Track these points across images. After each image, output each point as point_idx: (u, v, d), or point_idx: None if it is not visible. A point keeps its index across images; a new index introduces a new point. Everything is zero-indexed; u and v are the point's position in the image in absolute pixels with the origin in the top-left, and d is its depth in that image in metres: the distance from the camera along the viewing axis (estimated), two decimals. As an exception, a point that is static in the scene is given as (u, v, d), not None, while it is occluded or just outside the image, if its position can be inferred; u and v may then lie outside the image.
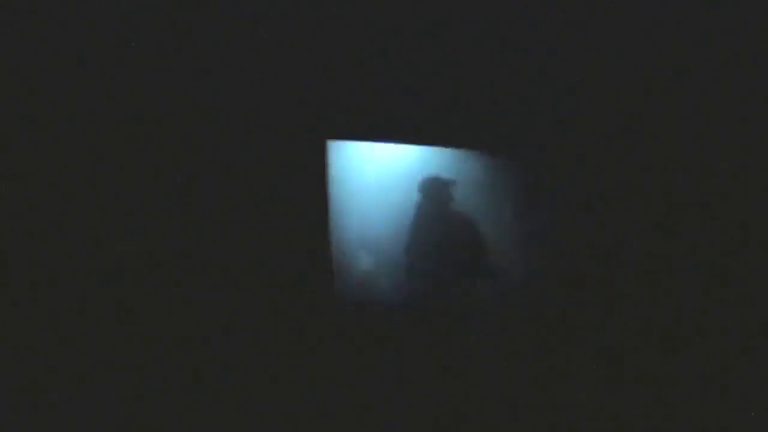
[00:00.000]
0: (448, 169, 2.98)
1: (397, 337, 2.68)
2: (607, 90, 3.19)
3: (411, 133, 2.92)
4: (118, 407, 2.30)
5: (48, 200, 2.37)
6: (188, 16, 2.67)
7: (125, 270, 2.43)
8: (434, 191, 2.93)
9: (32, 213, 2.34)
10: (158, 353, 2.38)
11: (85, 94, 2.47)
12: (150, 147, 2.56)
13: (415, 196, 2.91)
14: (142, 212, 2.49)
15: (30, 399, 2.23)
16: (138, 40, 2.58)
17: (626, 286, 2.98)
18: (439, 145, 2.97)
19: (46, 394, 2.24)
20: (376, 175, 2.88)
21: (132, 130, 2.53)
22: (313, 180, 2.74)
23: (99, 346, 2.33)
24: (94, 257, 2.39)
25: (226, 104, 2.68)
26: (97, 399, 2.28)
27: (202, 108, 2.65)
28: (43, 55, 2.43)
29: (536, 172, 3.07)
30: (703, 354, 2.93)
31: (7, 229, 2.30)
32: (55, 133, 2.42)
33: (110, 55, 2.55)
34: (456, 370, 2.70)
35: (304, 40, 2.86)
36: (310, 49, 2.85)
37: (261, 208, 2.64)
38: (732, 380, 2.90)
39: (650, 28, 3.16)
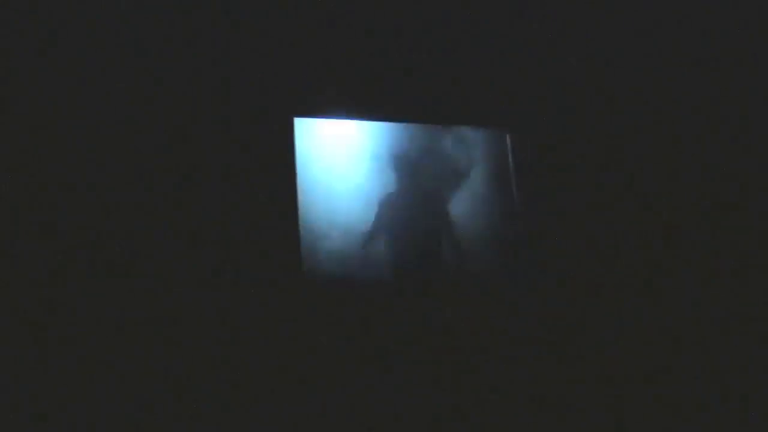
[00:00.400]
0: (421, 146, 2.93)
1: (367, 316, 2.64)
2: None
3: (381, 110, 2.88)
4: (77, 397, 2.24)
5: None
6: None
7: (90, 251, 2.38)
8: (405, 168, 2.88)
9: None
10: (121, 339, 2.32)
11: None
12: (116, 126, 2.50)
13: (386, 174, 2.85)
14: (107, 192, 2.44)
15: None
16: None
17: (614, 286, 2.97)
18: (412, 121, 2.92)
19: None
20: (347, 153, 2.82)
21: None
22: (280, 158, 2.69)
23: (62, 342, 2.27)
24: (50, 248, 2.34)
25: (188, 82, 2.63)
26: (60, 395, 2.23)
27: (166, 86, 2.60)
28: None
29: (518, 148, 3.02)
30: (695, 356, 2.93)
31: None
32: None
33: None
34: (429, 349, 2.67)
35: (267, 16, 2.80)
36: (274, 26, 2.80)
37: (226, 187, 2.59)
38: (732, 381, 2.89)
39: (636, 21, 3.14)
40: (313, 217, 2.67)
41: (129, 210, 2.45)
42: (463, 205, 2.93)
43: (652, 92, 3.18)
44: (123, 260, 2.40)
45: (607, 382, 2.77)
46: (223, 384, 2.37)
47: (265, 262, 2.54)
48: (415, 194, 2.88)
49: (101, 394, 2.25)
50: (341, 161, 2.79)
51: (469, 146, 2.98)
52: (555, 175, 3.00)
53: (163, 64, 2.62)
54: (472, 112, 2.99)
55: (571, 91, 3.11)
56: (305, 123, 2.76)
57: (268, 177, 2.65)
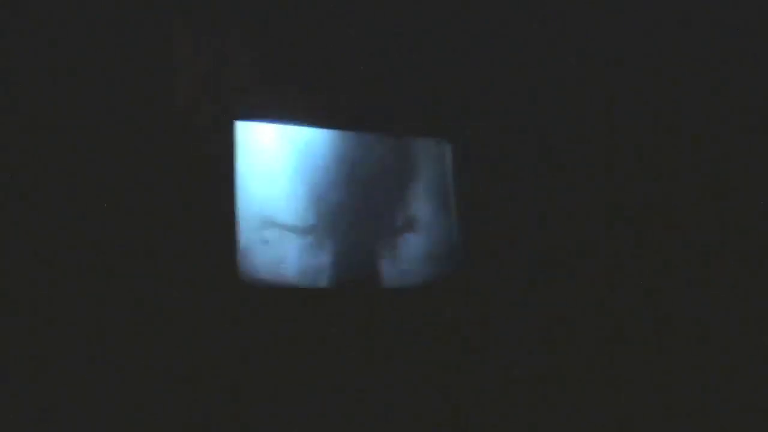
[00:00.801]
0: (363, 154, 2.93)
1: (304, 324, 2.63)
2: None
3: (324, 116, 2.87)
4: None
5: None
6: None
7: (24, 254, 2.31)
8: (347, 176, 2.88)
9: None
10: (51, 349, 2.27)
11: None
12: (55, 129, 2.44)
13: (326, 180, 2.85)
14: (42, 194, 2.38)
15: None
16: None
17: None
18: (354, 129, 2.92)
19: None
20: (287, 158, 2.80)
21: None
22: (220, 160, 2.66)
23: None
24: None
25: (131, 84, 2.58)
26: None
27: (106, 87, 2.55)
28: None
29: (466, 159, 3.04)
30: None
31: None
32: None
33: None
34: (365, 358, 2.67)
35: (214, 20, 2.77)
36: (221, 29, 2.77)
37: (162, 189, 2.55)
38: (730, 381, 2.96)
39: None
40: (251, 223, 2.65)
41: (62, 216, 2.40)
42: (403, 213, 2.94)
43: (595, 102, 3.24)
44: (54, 263, 2.34)
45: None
46: (160, 394, 2.33)
47: (199, 268, 2.51)
48: (355, 202, 2.88)
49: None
50: (281, 167, 2.77)
51: (410, 154, 3.00)
52: (495, 184, 3.04)
53: (109, 64, 2.57)
54: (413, 120, 3.00)
55: (511, 100, 3.15)
56: (247, 127, 2.74)
57: (207, 180, 2.62)
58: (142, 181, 2.52)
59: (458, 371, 2.76)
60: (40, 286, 2.30)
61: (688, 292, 3.03)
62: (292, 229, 2.73)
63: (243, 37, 2.80)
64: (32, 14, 2.49)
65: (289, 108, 2.82)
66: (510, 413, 2.77)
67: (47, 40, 2.50)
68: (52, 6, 2.52)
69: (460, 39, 3.11)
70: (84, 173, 2.45)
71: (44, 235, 2.34)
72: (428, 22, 3.05)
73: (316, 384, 2.56)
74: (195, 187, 2.59)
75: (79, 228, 2.39)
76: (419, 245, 2.93)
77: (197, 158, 2.62)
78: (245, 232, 2.62)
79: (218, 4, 2.77)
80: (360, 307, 2.74)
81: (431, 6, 3.05)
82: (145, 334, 2.37)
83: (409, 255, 2.90)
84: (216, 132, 2.68)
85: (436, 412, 2.68)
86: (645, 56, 3.25)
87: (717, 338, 2.99)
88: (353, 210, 2.86)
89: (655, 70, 3.23)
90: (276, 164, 2.76)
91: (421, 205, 2.97)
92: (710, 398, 2.91)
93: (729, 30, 3.18)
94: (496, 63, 3.14)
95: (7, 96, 2.41)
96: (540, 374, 2.84)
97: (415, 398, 2.68)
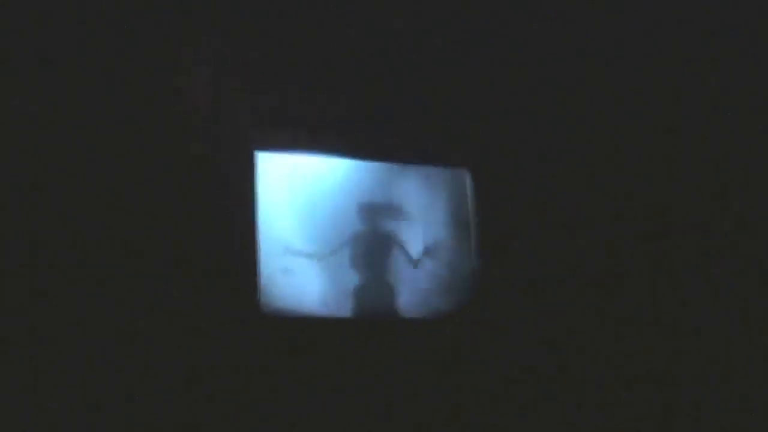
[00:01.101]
0: (383, 184, 2.95)
1: (325, 354, 2.62)
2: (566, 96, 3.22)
3: (344, 146, 2.90)
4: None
5: None
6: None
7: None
8: (366, 206, 2.90)
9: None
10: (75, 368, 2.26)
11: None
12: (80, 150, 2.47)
13: (346, 211, 2.86)
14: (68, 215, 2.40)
15: None
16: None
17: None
18: (374, 160, 2.95)
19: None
20: (308, 189, 2.82)
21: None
22: (241, 189, 2.67)
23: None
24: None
25: (154, 111, 2.61)
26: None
27: (130, 115, 2.57)
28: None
29: (485, 189, 3.04)
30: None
31: None
32: None
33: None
34: (385, 390, 2.65)
35: (235, 47, 2.81)
36: (243, 60, 2.81)
37: (186, 218, 2.56)
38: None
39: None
40: (273, 251, 2.66)
41: (93, 231, 2.41)
42: (423, 244, 2.95)
43: (615, 132, 3.26)
44: (86, 285, 2.35)
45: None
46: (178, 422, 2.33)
47: (222, 296, 2.51)
48: (375, 232, 2.89)
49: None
50: (301, 197, 2.79)
51: (430, 185, 3.02)
52: (515, 215, 3.05)
53: (131, 93, 2.60)
54: (433, 151, 3.02)
55: (532, 130, 3.18)
56: (268, 158, 2.76)
57: (228, 210, 2.63)
58: (164, 211, 2.53)
59: (477, 400, 2.74)
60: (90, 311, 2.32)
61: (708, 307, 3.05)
62: (313, 257, 2.74)
63: (264, 68, 2.84)
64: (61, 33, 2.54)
65: (308, 138, 2.84)
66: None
67: (77, 53, 2.54)
68: (83, 21, 2.57)
69: (480, 69, 3.15)
70: (103, 204, 2.46)
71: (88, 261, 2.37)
72: (449, 52, 3.09)
73: (335, 413, 2.54)
74: (217, 217, 2.60)
75: (98, 261, 2.40)
76: (438, 274, 2.93)
77: (218, 188, 2.64)
78: (266, 261, 2.63)
79: (240, 35, 2.82)
80: (379, 336, 2.74)
81: (451, 37, 3.09)
82: (168, 363, 2.36)
83: (428, 284, 2.90)
84: (237, 162, 2.70)
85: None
86: (668, 82, 3.28)
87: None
88: (373, 239, 2.88)
89: (676, 95, 3.26)
90: (296, 194, 2.78)
91: (440, 234, 2.98)
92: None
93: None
94: (516, 92, 3.18)
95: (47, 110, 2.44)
96: (560, 403, 2.82)
97: (433, 427, 2.66)
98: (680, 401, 2.92)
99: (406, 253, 2.91)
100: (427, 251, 2.94)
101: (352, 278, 2.80)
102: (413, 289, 2.88)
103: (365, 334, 2.73)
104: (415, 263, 2.92)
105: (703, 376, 2.96)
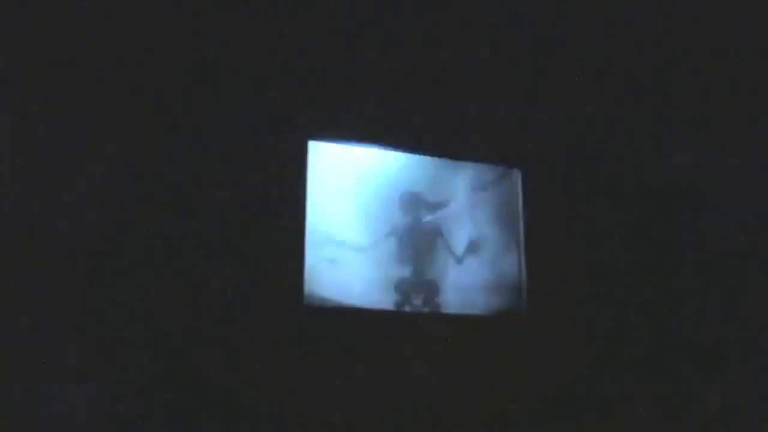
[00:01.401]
0: (431, 178, 2.93)
1: (368, 345, 2.63)
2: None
3: (395, 138, 2.88)
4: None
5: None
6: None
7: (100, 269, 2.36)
8: (414, 199, 2.88)
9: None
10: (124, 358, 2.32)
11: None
12: (134, 146, 2.49)
13: (394, 201, 2.85)
14: (123, 206, 2.44)
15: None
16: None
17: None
18: (424, 153, 2.93)
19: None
20: (358, 180, 2.82)
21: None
22: (292, 177, 2.68)
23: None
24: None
25: (209, 101, 2.62)
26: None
27: (184, 106, 2.59)
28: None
29: (537, 188, 3.02)
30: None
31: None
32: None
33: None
34: (426, 379, 2.66)
35: (290, 38, 2.80)
36: (298, 49, 2.79)
37: (235, 206, 2.58)
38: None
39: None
40: (318, 241, 2.67)
41: (136, 223, 2.45)
42: (469, 239, 2.93)
43: (665, 133, 3.20)
44: (126, 269, 2.40)
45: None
46: (221, 410, 2.37)
47: (267, 285, 2.53)
48: (419, 225, 2.88)
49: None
50: (350, 187, 2.79)
51: (480, 183, 2.99)
52: (563, 212, 3.02)
53: (186, 84, 2.62)
54: (485, 149, 2.99)
55: (586, 132, 3.13)
56: (319, 146, 2.76)
57: (278, 198, 2.64)
58: (214, 198, 2.55)
59: (516, 397, 2.74)
60: (133, 298, 2.38)
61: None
62: (358, 249, 2.74)
63: (319, 60, 2.82)
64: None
65: (360, 129, 2.83)
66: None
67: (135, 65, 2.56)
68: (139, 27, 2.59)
69: (536, 71, 3.10)
70: (153, 195, 2.49)
71: (128, 246, 2.41)
72: (502, 51, 3.04)
73: (374, 403, 2.56)
74: (265, 205, 2.61)
75: (149, 245, 2.44)
76: (483, 272, 2.91)
77: (269, 176, 2.65)
78: (312, 251, 2.64)
79: (297, 28, 2.80)
80: (421, 330, 2.74)
81: (503, 38, 3.04)
82: (212, 351, 2.40)
83: (472, 280, 2.88)
84: (289, 150, 2.70)
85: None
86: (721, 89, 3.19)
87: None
88: (417, 232, 2.87)
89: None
90: (345, 184, 2.78)
91: (486, 232, 2.96)
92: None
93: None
94: (570, 95, 3.13)
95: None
96: (607, 403, 2.82)
97: (472, 421, 2.66)
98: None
99: (450, 249, 2.90)
100: (472, 248, 2.92)
101: (395, 271, 2.80)
102: (456, 284, 2.87)
103: (406, 327, 2.73)
104: (459, 259, 2.90)
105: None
